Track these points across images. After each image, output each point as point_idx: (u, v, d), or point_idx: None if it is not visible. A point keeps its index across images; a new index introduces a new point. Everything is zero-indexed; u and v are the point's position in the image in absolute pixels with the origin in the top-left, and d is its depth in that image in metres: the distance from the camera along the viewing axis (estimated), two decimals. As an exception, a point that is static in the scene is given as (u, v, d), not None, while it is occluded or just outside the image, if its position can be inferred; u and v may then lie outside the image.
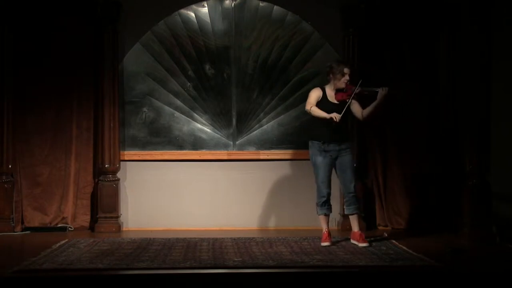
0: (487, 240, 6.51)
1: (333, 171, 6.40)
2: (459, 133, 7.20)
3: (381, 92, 6.20)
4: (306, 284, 5.06)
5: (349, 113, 6.29)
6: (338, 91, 6.29)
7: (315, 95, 6.31)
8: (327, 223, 6.38)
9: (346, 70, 6.26)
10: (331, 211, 6.41)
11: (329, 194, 6.31)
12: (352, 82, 6.26)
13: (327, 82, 6.38)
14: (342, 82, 6.26)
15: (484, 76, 6.96)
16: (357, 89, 6.18)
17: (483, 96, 6.96)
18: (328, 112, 6.16)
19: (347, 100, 6.22)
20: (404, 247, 6.08)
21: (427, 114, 7.37)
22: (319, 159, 6.30)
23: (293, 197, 7.50)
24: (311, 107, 6.22)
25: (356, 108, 6.33)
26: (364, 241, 6.24)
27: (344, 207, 6.48)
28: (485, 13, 6.91)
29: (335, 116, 6.10)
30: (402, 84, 7.04)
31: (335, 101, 6.29)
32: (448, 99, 7.29)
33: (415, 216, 7.35)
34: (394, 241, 6.39)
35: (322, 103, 6.26)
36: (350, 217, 6.40)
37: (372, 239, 6.45)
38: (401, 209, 7.38)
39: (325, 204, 6.32)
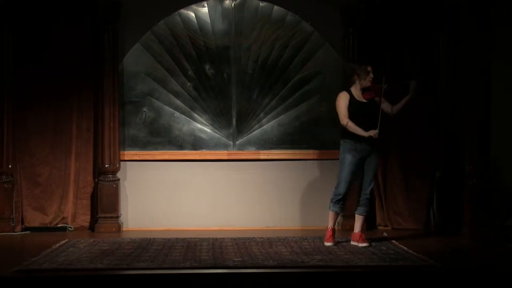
0: (487, 240, 6.51)
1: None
2: (459, 133, 7.20)
3: (412, 85, 6.19)
4: (306, 284, 5.05)
5: (382, 113, 6.24)
6: (364, 90, 6.27)
7: (344, 102, 6.25)
8: (335, 221, 6.36)
9: (369, 68, 6.27)
10: (342, 211, 6.42)
11: (346, 194, 6.29)
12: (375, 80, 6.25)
13: (350, 84, 6.32)
14: (368, 81, 6.25)
15: (484, 76, 6.97)
16: (384, 85, 6.16)
17: (483, 96, 6.96)
18: (361, 113, 6.16)
19: (376, 99, 6.21)
20: (404, 247, 6.08)
21: (427, 114, 7.37)
22: (348, 157, 6.25)
23: (293, 197, 7.50)
24: (347, 122, 6.18)
25: (385, 105, 6.32)
26: (364, 241, 6.24)
27: (357, 206, 6.45)
28: (485, 13, 6.92)
29: (374, 134, 6.09)
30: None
31: (364, 100, 6.28)
32: (448, 99, 7.28)
33: (415, 216, 7.35)
34: (394, 241, 6.39)
35: (353, 106, 6.23)
36: (357, 217, 6.40)
37: (372, 239, 6.45)
38: (401, 209, 7.38)
39: (339, 203, 6.30)
